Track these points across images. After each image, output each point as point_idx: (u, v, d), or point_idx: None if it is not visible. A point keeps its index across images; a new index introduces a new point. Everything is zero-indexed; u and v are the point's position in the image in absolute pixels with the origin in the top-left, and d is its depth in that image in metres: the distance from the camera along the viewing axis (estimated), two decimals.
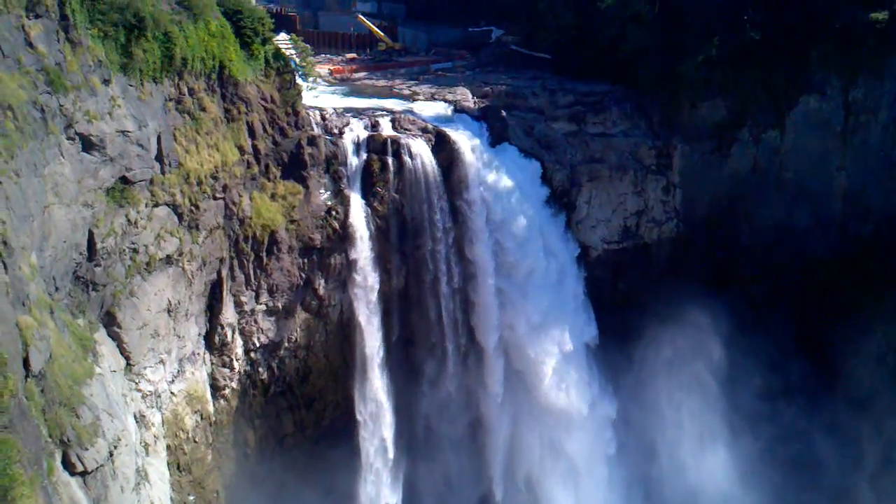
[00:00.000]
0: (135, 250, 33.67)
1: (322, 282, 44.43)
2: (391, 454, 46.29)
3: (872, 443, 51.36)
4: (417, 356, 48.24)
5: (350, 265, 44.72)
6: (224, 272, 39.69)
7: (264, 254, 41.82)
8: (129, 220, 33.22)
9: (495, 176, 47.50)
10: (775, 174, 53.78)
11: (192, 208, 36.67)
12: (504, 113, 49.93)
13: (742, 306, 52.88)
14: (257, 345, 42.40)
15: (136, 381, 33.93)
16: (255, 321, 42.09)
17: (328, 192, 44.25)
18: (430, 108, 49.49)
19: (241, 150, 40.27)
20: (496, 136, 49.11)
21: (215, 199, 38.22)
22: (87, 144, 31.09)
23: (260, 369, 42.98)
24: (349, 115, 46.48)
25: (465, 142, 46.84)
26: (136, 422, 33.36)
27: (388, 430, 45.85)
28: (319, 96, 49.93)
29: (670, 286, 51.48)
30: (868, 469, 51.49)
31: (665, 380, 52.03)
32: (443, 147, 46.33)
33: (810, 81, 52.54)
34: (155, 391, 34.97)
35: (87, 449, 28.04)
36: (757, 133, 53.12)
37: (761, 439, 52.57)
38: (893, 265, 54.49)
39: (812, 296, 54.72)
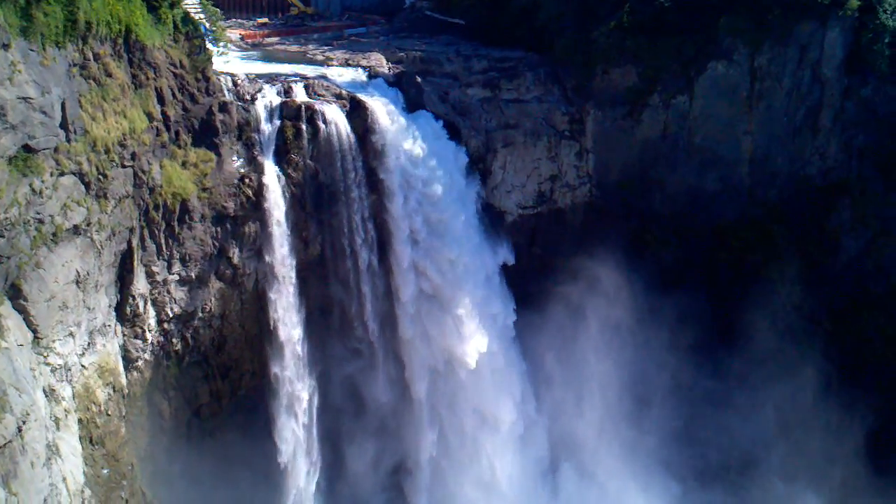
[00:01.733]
0: (40, 221, 32.71)
1: (236, 250, 43.91)
2: (309, 420, 46.19)
3: (767, 391, 53.53)
4: (335, 323, 48.12)
5: (265, 233, 44.26)
6: (134, 242, 38.86)
7: (176, 223, 41.07)
8: (33, 190, 32.20)
9: (411, 142, 47.37)
10: (685, 139, 54.90)
11: (100, 177, 35.74)
12: (419, 79, 49.80)
13: (654, 269, 54.13)
14: (170, 315, 41.76)
15: (45, 354, 33.10)
16: (168, 291, 41.41)
17: (241, 160, 43.60)
18: (344, 74, 49.00)
19: (149, 116, 39.32)
20: (411, 103, 48.96)
21: (124, 167, 37.30)
22: None
23: (174, 340, 42.38)
24: (262, 81, 45.71)
25: (381, 108, 46.61)
26: (46, 396, 32.62)
27: (304, 396, 45.76)
28: (230, 62, 48.92)
29: (584, 250, 52.40)
30: (763, 413, 54.14)
31: (576, 339, 53.10)
32: (358, 113, 46.02)
33: (718, 48, 53.63)
34: (65, 364, 34.20)
35: None
36: (667, 98, 54.04)
37: (665, 390, 54.36)
38: (797, 228, 56.54)
39: (721, 259, 56.26)
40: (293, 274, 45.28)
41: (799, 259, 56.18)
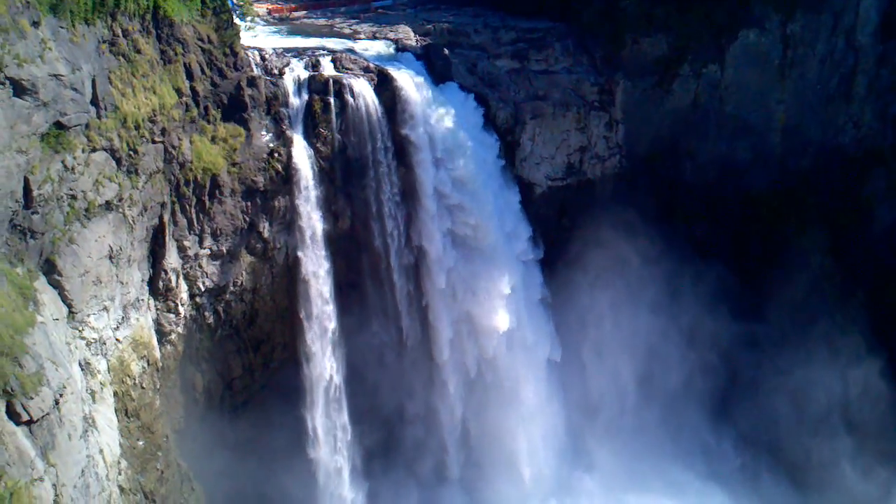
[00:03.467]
0: (73, 196, 33.13)
1: (266, 225, 44.16)
2: (338, 392, 46.50)
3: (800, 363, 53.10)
4: (365, 297, 48.35)
5: (295, 207, 44.46)
6: (166, 217, 39.24)
7: (206, 198, 41.35)
8: (65, 166, 32.60)
9: (440, 114, 47.24)
10: (716, 109, 54.38)
11: (131, 153, 36.07)
12: (447, 51, 49.54)
13: (684, 241, 53.87)
14: (202, 289, 42.16)
15: (80, 328, 33.64)
16: (200, 265, 41.78)
17: (270, 134, 43.72)
18: (371, 47, 48.84)
19: (179, 92, 39.51)
20: (439, 75, 48.75)
21: (154, 142, 37.59)
22: (19, 89, 30.30)
23: (206, 313, 42.80)
24: (289, 55, 45.72)
25: (408, 80, 46.46)
26: (82, 369, 33.20)
27: (334, 368, 46.02)
28: (258, 36, 49.02)
29: (614, 222, 52.17)
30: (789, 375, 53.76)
31: (606, 312, 52.98)
32: (386, 86, 45.92)
33: (750, 16, 53.03)
34: (99, 338, 34.72)
35: (31, 398, 28.00)
36: (697, 68, 53.47)
37: (694, 354, 54.17)
38: (830, 198, 55.94)
39: (753, 229, 55.84)
40: (323, 247, 45.45)
41: (831, 229, 55.71)
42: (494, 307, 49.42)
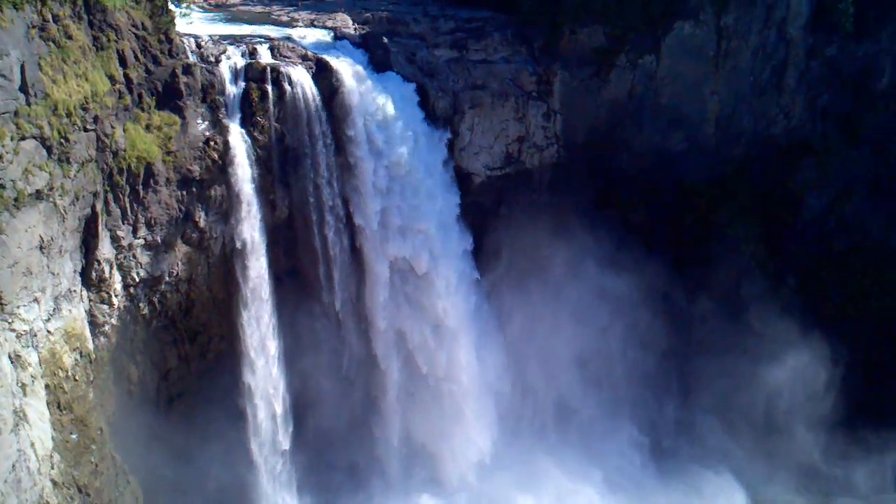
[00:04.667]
0: (1, 186, 32.28)
1: (203, 214, 43.67)
2: (277, 381, 46.33)
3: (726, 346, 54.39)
4: (303, 286, 48.18)
5: (231, 197, 44.05)
6: (99, 206, 38.48)
7: (140, 187, 40.66)
8: None
9: (378, 104, 47.16)
10: (651, 99, 55.04)
11: (62, 141, 35.27)
12: (386, 40, 49.43)
13: (621, 229, 54.59)
14: (137, 280, 41.54)
15: (9, 320, 32.86)
16: (134, 256, 41.13)
17: (206, 123, 43.14)
18: (309, 35, 48.53)
19: (112, 79, 38.73)
20: (378, 64, 48.64)
21: (86, 130, 36.79)
22: None
23: (140, 304, 42.19)
24: (226, 42, 45.12)
25: (347, 69, 46.28)
26: (12, 362, 32.49)
27: (273, 358, 45.84)
28: (194, 23, 48.24)
29: (551, 211, 52.72)
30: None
31: (543, 298, 53.51)
32: (324, 75, 45.69)
33: (685, 7, 53.61)
34: (30, 330, 33.98)
35: None
36: (634, 58, 53.99)
37: (628, 347, 55.18)
38: (762, 187, 57.16)
39: (688, 218, 56.82)
40: (260, 237, 45.12)
41: (763, 218, 56.90)
42: (433, 299, 49.61)
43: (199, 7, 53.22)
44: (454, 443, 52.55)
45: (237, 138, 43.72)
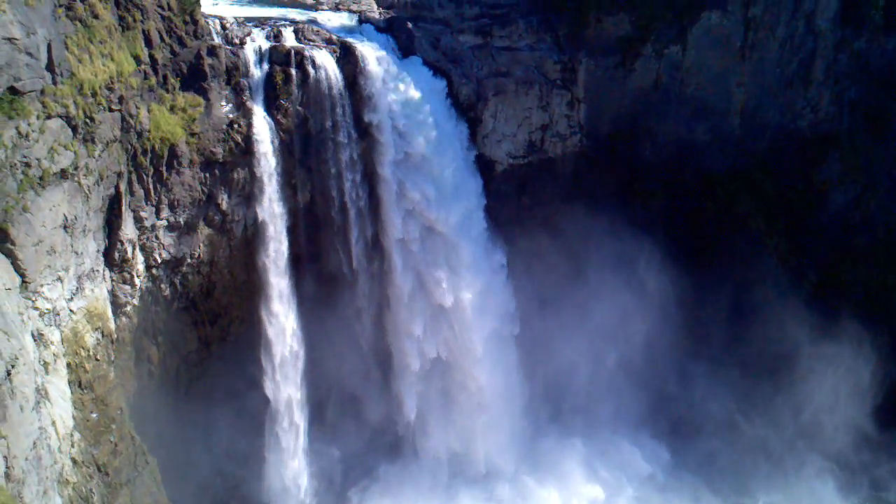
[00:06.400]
0: (27, 164, 32.40)
1: (225, 197, 43.69)
2: (297, 364, 46.34)
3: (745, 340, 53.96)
4: (324, 270, 48.13)
5: (254, 180, 44.00)
6: (122, 187, 38.58)
7: (164, 168, 40.77)
8: (19, 133, 31.84)
9: (402, 89, 46.93)
10: (677, 90, 54.65)
11: (87, 120, 35.34)
12: (410, 25, 49.19)
13: (642, 219, 54.19)
14: (159, 261, 41.66)
15: (33, 298, 33.02)
16: (156, 237, 41.24)
17: (230, 105, 43.15)
18: (334, 19, 48.43)
19: (137, 59, 38.79)
20: (403, 49, 48.45)
21: (111, 111, 36.86)
22: None
23: (162, 286, 42.33)
24: (250, 24, 45.11)
25: (371, 54, 46.10)
26: (35, 340, 32.65)
27: (293, 341, 45.83)
28: (219, 4, 48.19)
29: (573, 200, 52.35)
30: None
31: (563, 287, 53.18)
32: (348, 59, 45.53)
33: None
34: (53, 309, 34.14)
35: None
36: (660, 48, 53.62)
37: (645, 339, 54.62)
38: (786, 181, 56.60)
39: (709, 209, 56.35)
40: (282, 220, 45.10)
41: (786, 211, 56.37)
42: (453, 284, 49.46)
43: None
44: (472, 424, 52.61)
45: (261, 121, 43.67)
